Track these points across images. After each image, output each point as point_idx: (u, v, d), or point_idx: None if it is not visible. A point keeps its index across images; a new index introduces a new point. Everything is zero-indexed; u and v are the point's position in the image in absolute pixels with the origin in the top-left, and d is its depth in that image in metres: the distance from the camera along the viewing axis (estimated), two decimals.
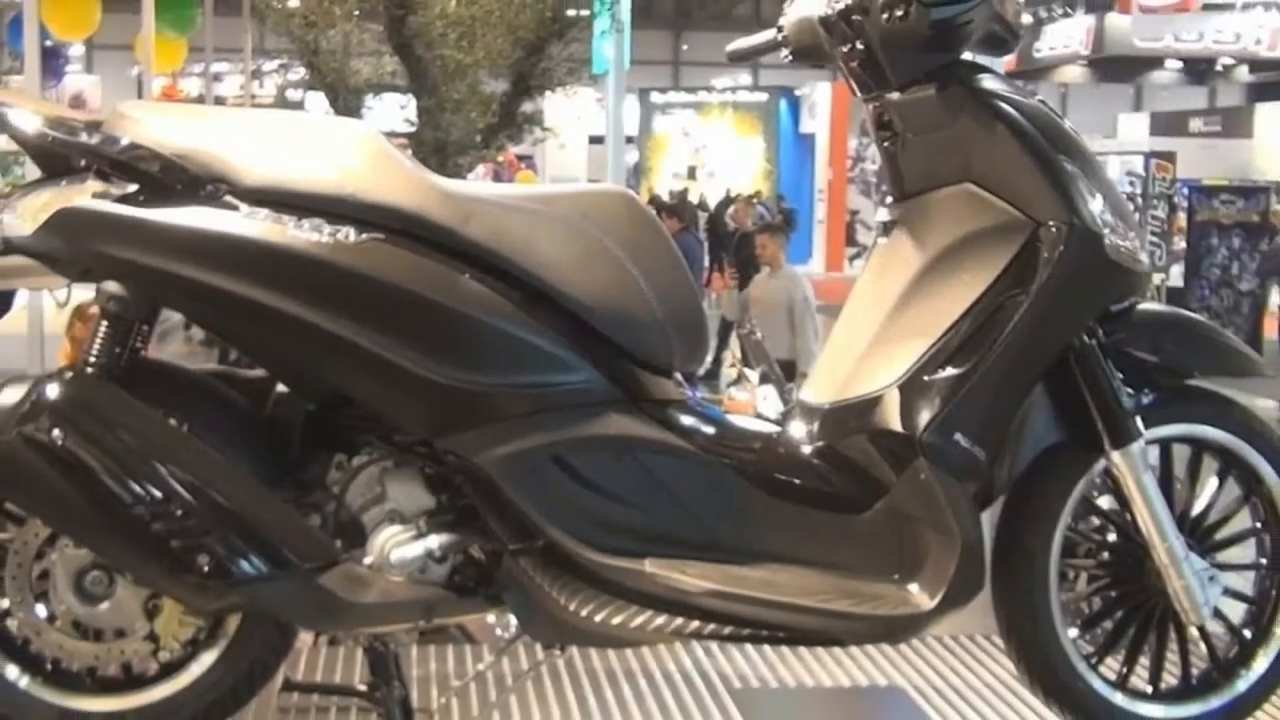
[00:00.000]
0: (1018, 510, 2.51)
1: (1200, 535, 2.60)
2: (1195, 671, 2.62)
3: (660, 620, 2.25)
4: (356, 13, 7.02)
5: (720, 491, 2.33)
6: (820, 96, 24.11)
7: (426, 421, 2.23)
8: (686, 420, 2.36)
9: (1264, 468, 2.60)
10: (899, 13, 2.37)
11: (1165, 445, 2.59)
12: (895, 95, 2.47)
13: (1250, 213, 14.40)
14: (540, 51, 7.29)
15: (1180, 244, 15.05)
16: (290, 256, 2.14)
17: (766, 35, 2.72)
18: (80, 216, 2.15)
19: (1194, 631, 2.59)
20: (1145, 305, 2.57)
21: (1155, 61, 23.70)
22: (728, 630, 2.28)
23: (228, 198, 2.17)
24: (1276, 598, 2.64)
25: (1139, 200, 14.74)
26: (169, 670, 2.36)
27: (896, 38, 2.40)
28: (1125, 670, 2.59)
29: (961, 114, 2.42)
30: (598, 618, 2.24)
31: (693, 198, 22.39)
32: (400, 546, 2.25)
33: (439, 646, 3.05)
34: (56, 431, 2.10)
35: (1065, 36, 23.13)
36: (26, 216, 2.18)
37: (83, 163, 2.22)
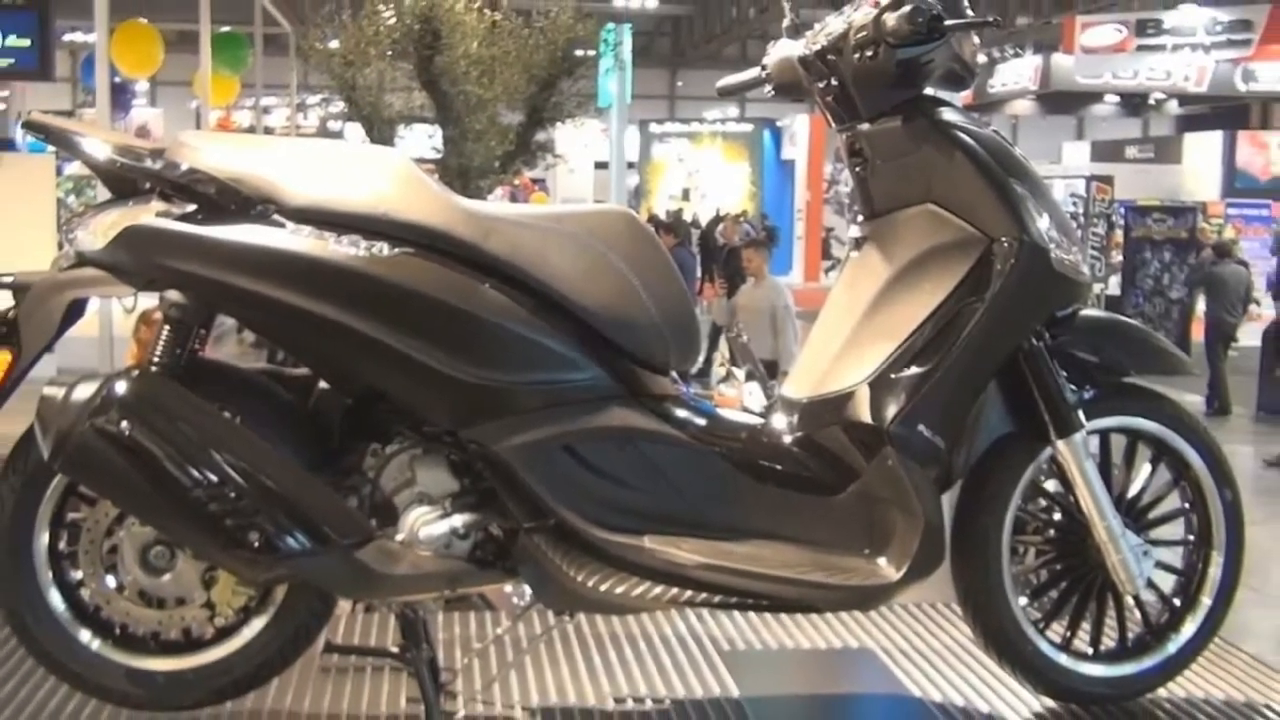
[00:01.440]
0: (974, 493, 2.51)
1: (1135, 515, 2.61)
2: (1131, 635, 2.63)
3: (658, 590, 2.25)
4: (389, 53, 7.00)
5: (711, 476, 2.33)
6: (799, 127, 24.06)
7: (451, 414, 2.23)
8: (681, 413, 2.36)
9: (1191, 455, 2.61)
10: (869, 53, 2.37)
11: (1104, 435, 2.59)
12: (865, 126, 2.47)
13: (1179, 230, 14.39)
14: (552, 87, 7.26)
15: (1117, 257, 15.04)
16: (331, 268, 2.14)
17: (752, 73, 2.72)
18: (145, 233, 2.15)
19: (1130, 600, 2.59)
20: (1087, 311, 2.57)
21: (1095, 96, 23.66)
22: (717, 599, 2.28)
23: (275, 217, 2.17)
24: (1202, 570, 2.64)
25: (1081, 218, 14.72)
26: (224, 634, 2.36)
27: (867, 75, 2.40)
28: (1069, 634, 2.59)
29: (924, 142, 2.42)
30: (602, 588, 2.24)
31: (686, 216, 22.36)
32: (428, 525, 2.25)
33: (462, 613, 3.05)
34: (124, 423, 2.10)
35: (1016, 74, 23.11)
36: (98, 233, 2.18)
37: (147, 185, 2.23)
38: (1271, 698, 2.71)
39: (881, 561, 2.30)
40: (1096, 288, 13.92)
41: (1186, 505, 2.66)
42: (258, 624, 2.36)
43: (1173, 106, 24.78)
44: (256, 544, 2.12)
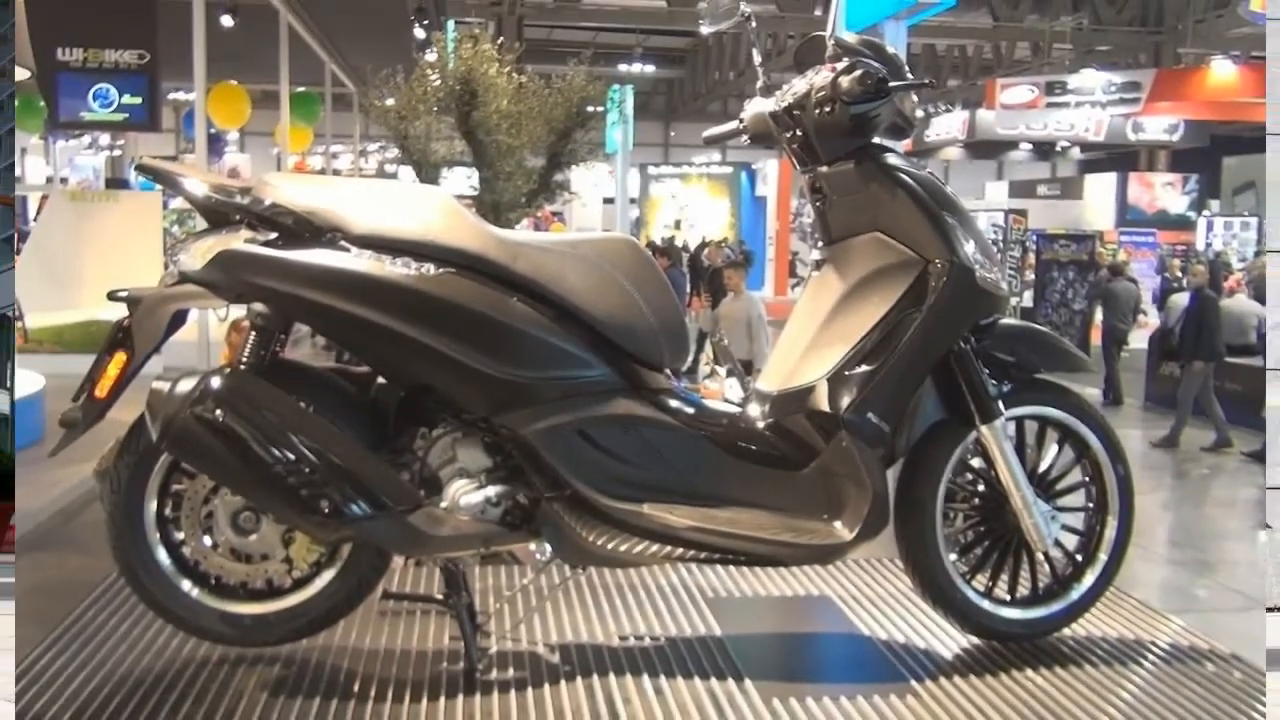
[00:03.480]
0: (913, 468, 2.51)
1: (1045, 486, 2.61)
2: (1041, 585, 2.62)
3: (655, 548, 2.25)
4: (435, 109, 7.02)
5: (698, 455, 2.33)
6: (770, 170, 24.05)
7: (486, 404, 2.23)
8: (674, 403, 2.36)
9: (1090, 437, 2.61)
10: (827, 109, 2.38)
11: (1020, 421, 2.59)
12: (825, 168, 2.47)
13: (1081, 253, 14.39)
14: (568, 136, 7.26)
15: (1030, 276, 15.03)
16: (388, 285, 2.14)
17: (732, 125, 2.72)
18: (236, 256, 2.15)
19: (1040, 556, 2.59)
20: (1005, 320, 2.57)
21: (1012, 144, 23.69)
22: (703, 555, 2.29)
23: (342, 243, 2.17)
24: (1100, 531, 2.64)
25: (1000, 244, 14.71)
26: (300, 584, 2.36)
27: (826, 127, 2.41)
28: (991, 584, 2.59)
29: (873, 182, 2.42)
30: (609, 546, 2.24)
31: (678, 243, 22.33)
32: (467, 494, 2.25)
33: (495, 566, 3.05)
34: (219, 411, 2.10)
35: (947, 126, 23.15)
36: (197, 256, 2.18)
37: (237, 217, 2.23)
38: (1156, 635, 2.71)
39: (838, 525, 2.30)
40: (1013, 301, 13.92)
41: (1087, 478, 2.65)
42: (327, 575, 2.36)
43: (1075, 153, 24.84)
44: (326, 510, 2.13)
